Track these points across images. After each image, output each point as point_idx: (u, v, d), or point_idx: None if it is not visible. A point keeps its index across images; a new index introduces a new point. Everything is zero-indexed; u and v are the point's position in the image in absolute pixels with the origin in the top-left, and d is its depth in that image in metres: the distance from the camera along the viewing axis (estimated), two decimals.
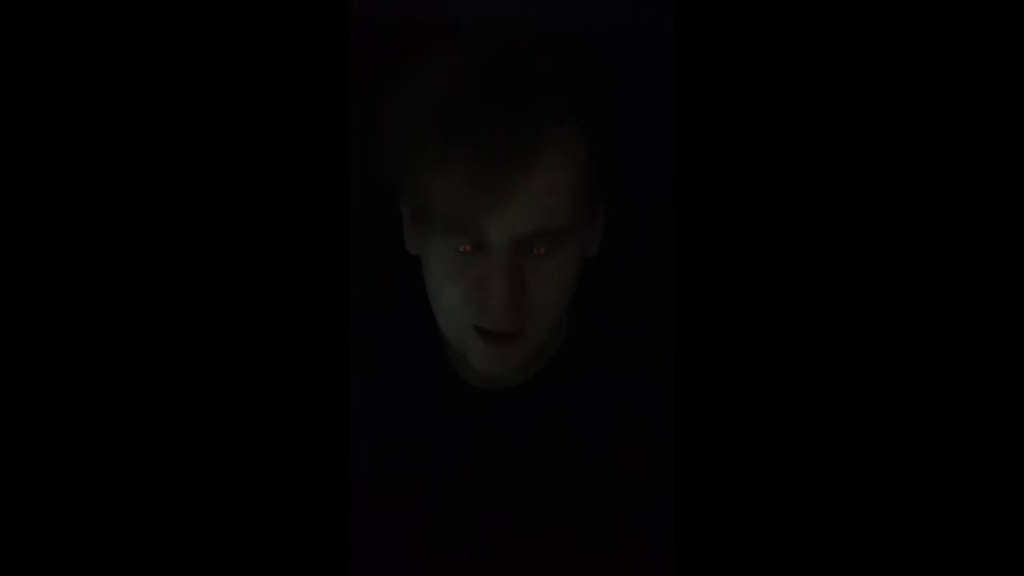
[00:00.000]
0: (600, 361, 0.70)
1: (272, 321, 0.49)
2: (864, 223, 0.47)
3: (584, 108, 0.58)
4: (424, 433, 0.68)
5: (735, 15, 0.49)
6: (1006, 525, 0.46)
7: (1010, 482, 0.46)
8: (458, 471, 0.67)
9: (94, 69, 0.48)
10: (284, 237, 0.49)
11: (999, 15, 0.46)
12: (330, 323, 0.50)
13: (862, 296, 0.48)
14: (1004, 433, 0.46)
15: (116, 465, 0.48)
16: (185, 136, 0.48)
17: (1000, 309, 0.47)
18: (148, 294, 0.48)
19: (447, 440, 0.68)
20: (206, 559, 0.48)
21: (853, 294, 0.48)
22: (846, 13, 0.47)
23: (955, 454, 0.47)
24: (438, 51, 0.59)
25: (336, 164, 0.50)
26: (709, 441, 0.49)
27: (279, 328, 0.49)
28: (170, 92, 0.48)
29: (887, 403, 0.47)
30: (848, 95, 0.48)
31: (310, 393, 0.49)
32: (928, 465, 0.47)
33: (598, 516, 0.65)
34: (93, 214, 0.47)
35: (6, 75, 0.47)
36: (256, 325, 0.49)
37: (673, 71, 0.51)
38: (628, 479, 0.66)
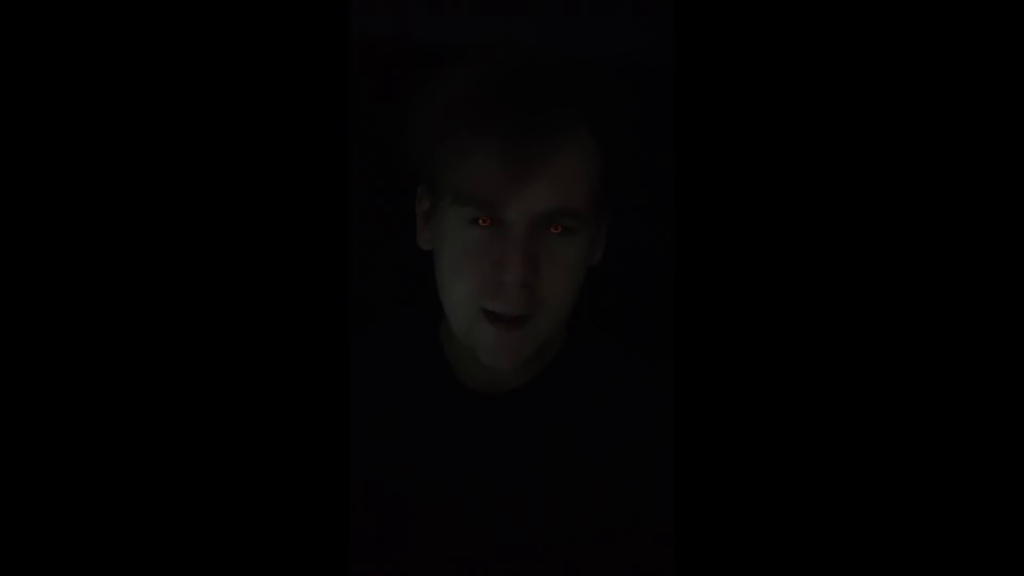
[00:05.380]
0: (599, 365, 0.71)
1: (274, 324, 0.49)
2: (861, 235, 0.48)
3: (599, 116, 0.64)
4: (424, 436, 0.68)
5: (735, 44, 0.50)
6: (1006, 525, 0.46)
7: (1010, 482, 0.46)
8: (457, 474, 0.67)
9: (103, 78, 0.48)
10: (286, 242, 0.50)
11: (993, 17, 0.47)
12: (330, 326, 0.50)
13: (859, 301, 0.48)
14: (1003, 434, 0.47)
15: (118, 465, 0.48)
16: (192, 150, 0.49)
17: (1000, 310, 0.47)
18: (152, 304, 0.48)
19: (446, 443, 0.68)
20: (208, 560, 0.48)
21: (849, 301, 0.48)
22: (844, 45, 0.48)
23: (953, 457, 0.47)
24: (468, 62, 0.65)
25: (338, 171, 0.51)
26: (709, 446, 0.49)
27: (280, 331, 0.50)
28: (177, 109, 0.49)
29: (886, 402, 0.48)
30: (847, 119, 0.48)
31: (311, 397, 0.50)
32: (926, 469, 0.47)
33: (598, 519, 0.65)
34: (115, 222, 0.48)
35: (5, 75, 0.47)
36: (258, 328, 0.49)
37: (674, 72, 0.52)
38: (628, 483, 0.66)
